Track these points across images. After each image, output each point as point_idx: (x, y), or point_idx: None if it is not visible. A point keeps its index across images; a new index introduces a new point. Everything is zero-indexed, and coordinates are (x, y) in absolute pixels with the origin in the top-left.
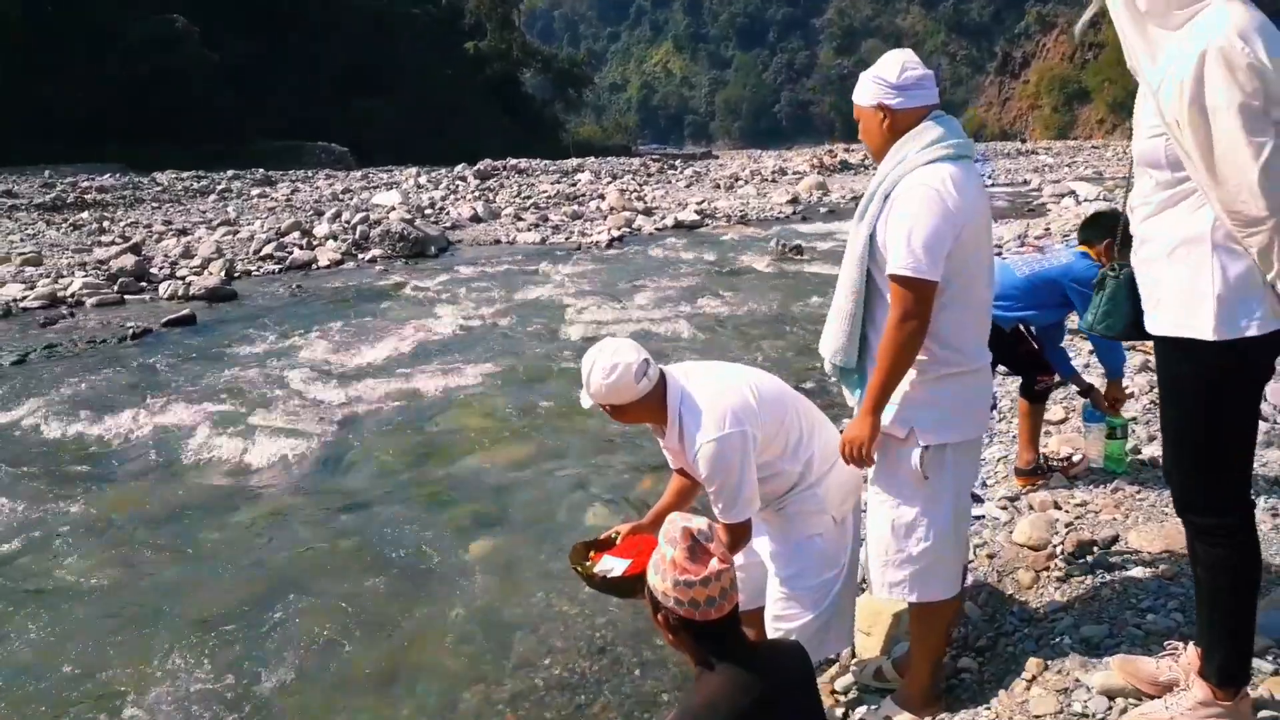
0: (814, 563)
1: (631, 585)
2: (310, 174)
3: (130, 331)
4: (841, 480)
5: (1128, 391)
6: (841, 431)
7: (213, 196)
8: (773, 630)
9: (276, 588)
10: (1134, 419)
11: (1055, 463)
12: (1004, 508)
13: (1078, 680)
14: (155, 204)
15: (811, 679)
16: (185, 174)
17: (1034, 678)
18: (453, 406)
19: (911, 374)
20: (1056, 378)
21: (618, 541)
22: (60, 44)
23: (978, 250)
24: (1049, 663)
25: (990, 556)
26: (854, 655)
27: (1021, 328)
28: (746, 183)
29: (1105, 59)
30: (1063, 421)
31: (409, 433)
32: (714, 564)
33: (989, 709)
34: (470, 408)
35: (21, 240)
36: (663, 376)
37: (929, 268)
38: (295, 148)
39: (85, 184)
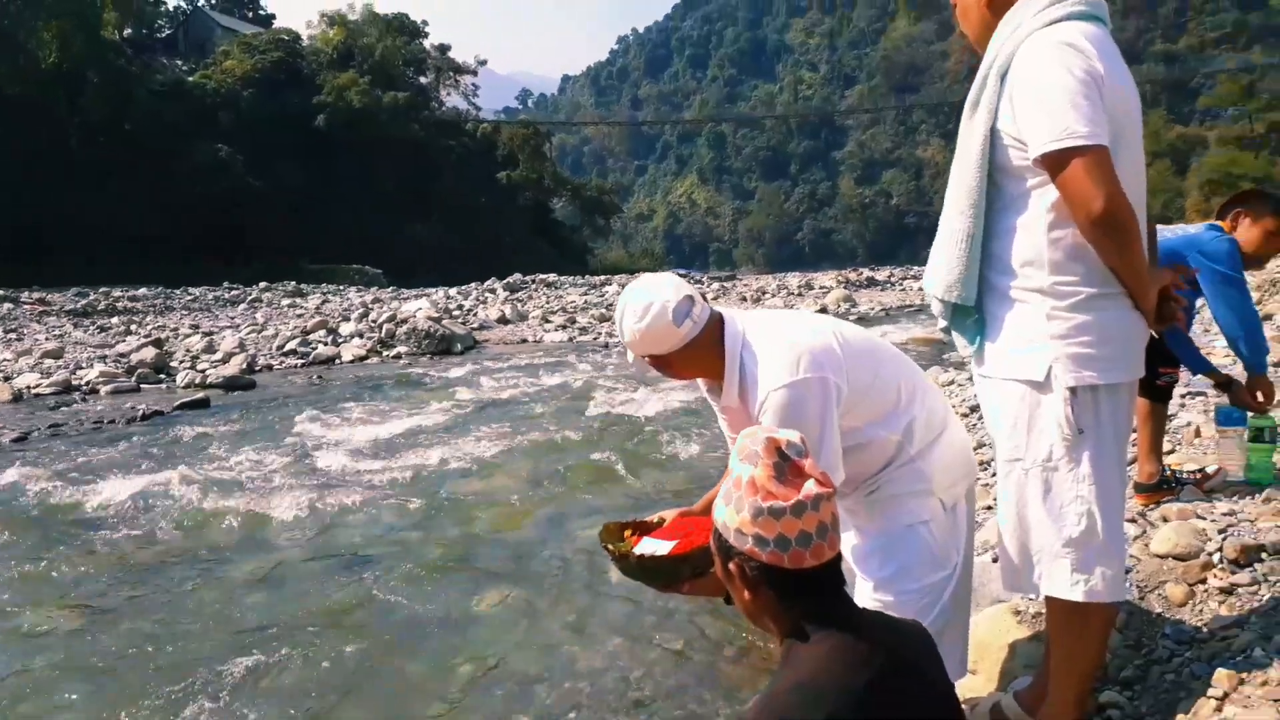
0: (918, 559)
1: (675, 568)
2: (342, 288)
3: (140, 413)
4: (951, 453)
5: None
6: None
7: (243, 305)
8: None
9: (264, 645)
10: None
11: (1185, 475)
12: (1132, 520)
13: None
14: (185, 311)
15: (941, 664)
16: (218, 287)
17: (1227, 694)
18: (470, 475)
19: (1047, 300)
20: (1182, 371)
21: (663, 526)
22: (110, 172)
23: (1128, 139)
24: (1245, 675)
25: (1126, 572)
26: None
27: None
28: (773, 296)
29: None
30: (1169, 419)
31: (421, 498)
32: (810, 487)
33: None
34: (488, 475)
35: (47, 339)
36: (720, 320)
37: (1089, 130)
38: (330, 271)
39: (118, 294)
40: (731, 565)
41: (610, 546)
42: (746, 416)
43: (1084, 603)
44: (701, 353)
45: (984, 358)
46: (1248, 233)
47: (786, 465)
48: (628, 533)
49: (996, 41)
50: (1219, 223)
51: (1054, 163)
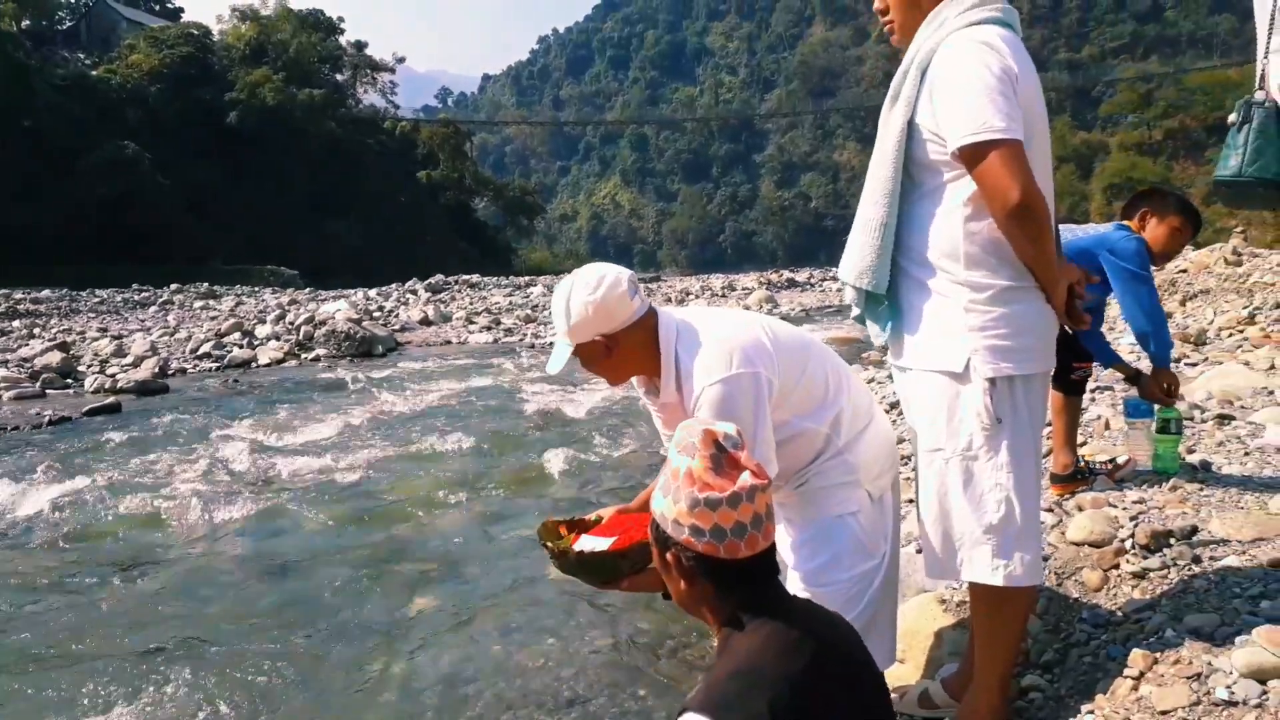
0: (847, 549)
1: (614, 564)
2: (257, 289)
3: (46, 419)
4: (877, 445)
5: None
6: None
7: (153, 308)
8: None
9: (184, 653)
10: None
11: (1097, 466)
12: (1049, 509)
13: (1210, 664)
14: (92, 313)
15: (867, 652)
16: (126, 289)
17: (1142, 673)
18: (397, 477)
19: (965, 293)
20: (1094, 365)
21: (601, 524)
22: (9, 170)
23: (1037, 137)
24: (1159, 655)
25: (1043, 559)
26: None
27: None
28: (697, 297)
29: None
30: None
31: (346, 502)
32: (745, 478)
33: (1091, 716)
34: (416, 478)
35: None
36: (654, 315)
37: (1006, 125)
38: (244, 271)
39: (20, 296)
40: (669, 556)
41: (549, 544)
42: (683, 412)
43: (1004, 587)
44: (643, 338)
45: (902, 349)
46: (1155, 231)
47: (723, 457)
48: (565, 530)
49: (920, 37)
50: (1126, 222)
51: (971, 155)
